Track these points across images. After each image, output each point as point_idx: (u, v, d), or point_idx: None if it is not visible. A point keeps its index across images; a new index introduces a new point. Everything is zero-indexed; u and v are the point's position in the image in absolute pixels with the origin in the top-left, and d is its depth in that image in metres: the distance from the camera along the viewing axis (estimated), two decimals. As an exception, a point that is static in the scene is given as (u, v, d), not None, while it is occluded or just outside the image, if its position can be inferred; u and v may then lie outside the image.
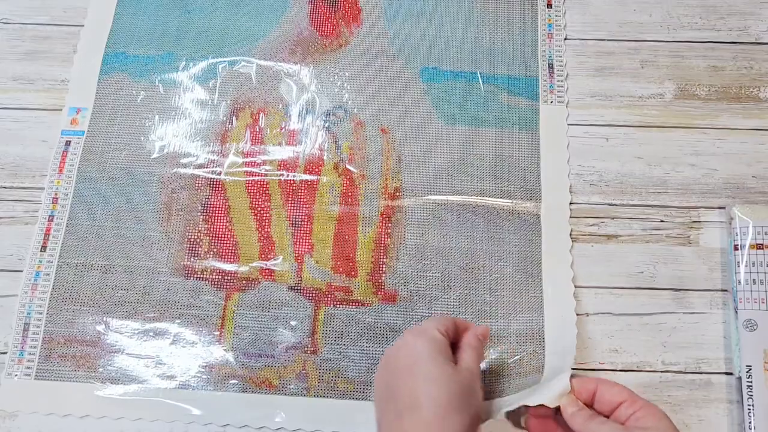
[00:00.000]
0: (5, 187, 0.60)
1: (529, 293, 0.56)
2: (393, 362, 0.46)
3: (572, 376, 0.50)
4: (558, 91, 0.62)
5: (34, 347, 0.55)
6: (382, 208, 0.59)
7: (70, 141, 0.61)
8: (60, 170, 0.60)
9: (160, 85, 0.63)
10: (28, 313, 0.56)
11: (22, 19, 0.66)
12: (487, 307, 0.56)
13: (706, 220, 0.59)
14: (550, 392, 0.48)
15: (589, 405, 0.48)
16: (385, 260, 0.57)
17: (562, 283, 0.56)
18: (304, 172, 0.60)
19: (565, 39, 0.65)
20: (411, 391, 0.43)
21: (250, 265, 0.57)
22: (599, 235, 0.59)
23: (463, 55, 0.64)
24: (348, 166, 0.60)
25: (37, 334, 0.55)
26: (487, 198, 0.59)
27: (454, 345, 0.48)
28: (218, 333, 0.55)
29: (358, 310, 0.56)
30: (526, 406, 0.49)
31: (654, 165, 0.61)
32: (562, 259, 0.57)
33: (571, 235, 0.58)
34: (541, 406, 0.48)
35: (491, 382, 0.53)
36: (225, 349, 0.55)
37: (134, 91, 0.63)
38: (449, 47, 0.64)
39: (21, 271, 0.57)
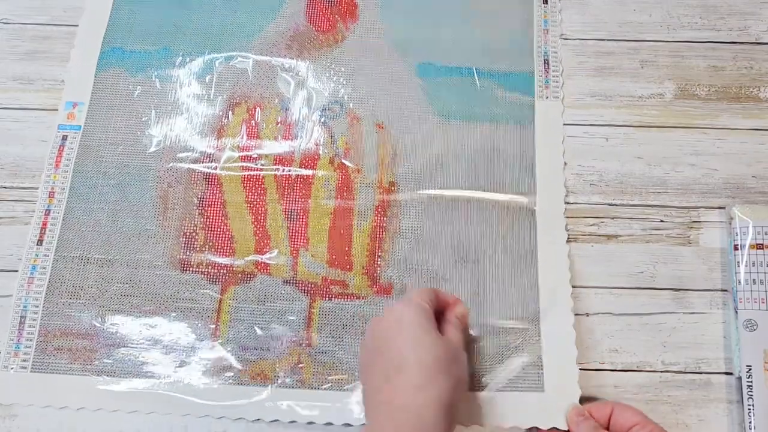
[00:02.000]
0: (5, 187, 0.61)
1: (524, 287, 0.56)
2: (381, 328, 0.47)
3: (588, 400, 0.52)
4: (553, 87, 0.63)
5: (30, 340, 0.55)
6: (378, 203, 0.59)
7: (66, 135, 0.61)
8: (57, 164, 0.60)
9: (157, 80, 0.63)
10: (24, 307, 0.56)
11: (22, 19, 0.67)
12: (482, 300, 0.55)
13: (706, 220, 0.59)
14: (559, 414, 0.51)
15: (606, 428, 0.49)
16: (380, 254, 0.57)
17: (558, 276, 0.56)
18: (300, 167, 0.60)
19: (562, 36, 0.65)
20: (399, 353, 0.45)
21: (246, 258, 0.57)
22: (599, 235, 0.58)
23: (459, 50, 0.64)
24: (343, 161, 0.60)
25: (33, 327, 0.55)
26: (482, 192, 0.59)
27: (437, 317, 0.50)
28: (214, 326, 0.55)
29: (353, 303, 0.56)
30: (538, 429, 0.51)
31: (654, 165, 0.60)
32: (557, 252, 0.57)
33: (570, 234, 0.58)
34: (554, 429, 0.50)
35: (488, 376, 0.53)
36: (221, 342, 0.55)
37: (131, 86, 0.63)
38: (445, 43, 0.64)
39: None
